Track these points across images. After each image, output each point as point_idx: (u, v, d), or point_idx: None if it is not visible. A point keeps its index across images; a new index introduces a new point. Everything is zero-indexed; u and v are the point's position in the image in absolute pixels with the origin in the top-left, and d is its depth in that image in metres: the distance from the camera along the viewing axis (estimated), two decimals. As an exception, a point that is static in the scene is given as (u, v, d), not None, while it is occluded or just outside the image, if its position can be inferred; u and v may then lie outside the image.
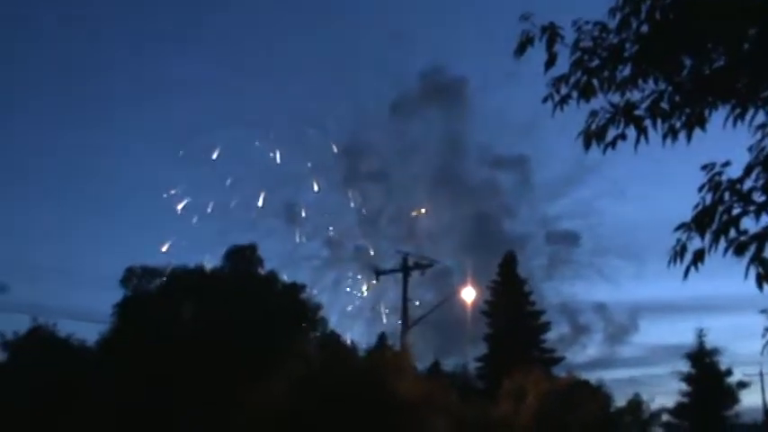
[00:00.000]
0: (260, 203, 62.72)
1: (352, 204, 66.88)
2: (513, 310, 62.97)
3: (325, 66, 76.71)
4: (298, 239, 64.66)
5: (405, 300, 41.98)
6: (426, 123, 74.87)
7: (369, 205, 71.39)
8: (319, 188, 66.63)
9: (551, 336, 66.83)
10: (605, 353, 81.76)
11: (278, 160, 64.50)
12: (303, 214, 66.49)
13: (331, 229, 66.27)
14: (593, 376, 58.34)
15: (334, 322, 44.26)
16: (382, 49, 74.16)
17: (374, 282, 45.90)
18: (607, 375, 77.09)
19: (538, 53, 7.56)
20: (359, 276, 52.75)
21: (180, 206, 58.81)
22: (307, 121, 68.32)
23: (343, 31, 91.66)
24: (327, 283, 64.24)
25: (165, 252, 44.83)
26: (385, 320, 57.79)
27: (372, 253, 52.16)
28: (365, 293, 53.12)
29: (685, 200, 6.68)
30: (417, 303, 43.07)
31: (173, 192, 59.46)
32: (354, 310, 62.75)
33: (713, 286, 41.16)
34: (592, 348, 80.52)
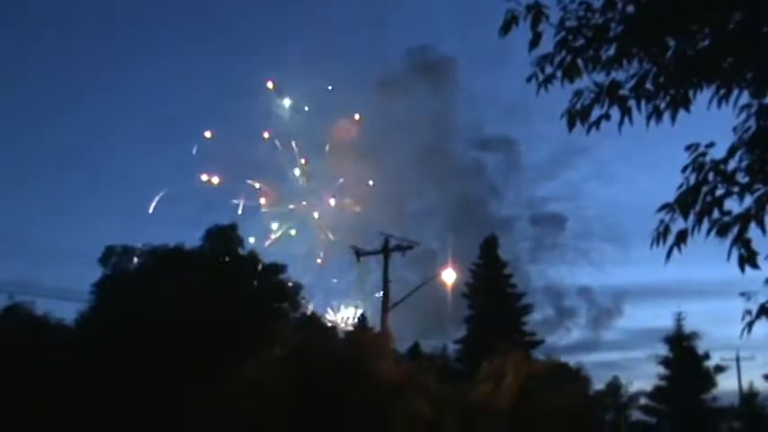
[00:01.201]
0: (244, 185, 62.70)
1: (332, 201, 66.80)
2: (493, 293, 63.11)
3: (309, 41, 75.76)
4: (278, 222, 64.65)
5: (385, 281, 41.95)
6: (413, 103, 74.32)
7: (354, 185, 71.34)
8: (302, 171, 66.53)
9: (536, 318, 67.15)
10: (585, 336, 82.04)
11: (263, 138, 64.40)
12: (285, 196, 66.50)
13: (315, 211, 66.34)
14: (572, 359, 58.70)
15: (317, 303, 44.32)
16: (367, 25, 73.45)
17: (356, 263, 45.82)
18: (586, 359, 77.75)
19: (524, 33, 7.52)
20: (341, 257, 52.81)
21: (153, 205, 59.10)
22: (290, 97, 68.02)
23: (328, 7, 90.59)
24: (310, 263, 64.27)
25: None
26: (366, 301, 57.92)
27: (356, 233, 52.00)
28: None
29: (672, 182, 6.69)
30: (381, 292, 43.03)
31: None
32: (336, 290, 62.82)
33: (692, 271, 41.41)
34: (573, 332, 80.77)
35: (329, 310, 45.60)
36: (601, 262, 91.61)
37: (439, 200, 76.38)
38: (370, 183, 67.13)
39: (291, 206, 65.55)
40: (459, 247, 63.80)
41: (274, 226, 63.99)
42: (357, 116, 68.07)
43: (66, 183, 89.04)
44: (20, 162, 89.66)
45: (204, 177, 62.28)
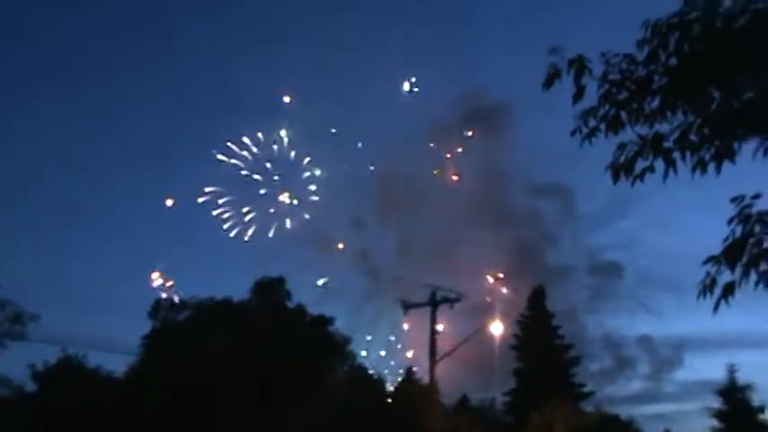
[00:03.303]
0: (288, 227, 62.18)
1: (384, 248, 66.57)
2: (541, 345, 62.54)
3: (361, 88, 75.59)
4: (327, 276, 64.57)
5: (432, 334, 41.76)
6: (465, 151, 74.15)
7: (407, 235, 71.42)
8: (357, 222, 66.41)
9: (593, 369, 66.46)
10: (640, 387, 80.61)
11: (315, 196, 64.52)
12: (339, 246, 66.50)
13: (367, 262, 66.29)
14: (624, 411, 57.81)
15: (367, 355, 44.11)
16: (420, 71, 73.25)
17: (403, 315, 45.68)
18: (638, 411, 75.74)
19: (572, 84, 7.54)
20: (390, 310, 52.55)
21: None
22: (342, 146, 68.10)
23: (382, 55, 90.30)
24: (356, 314, 64.16)
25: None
26: (410, 354, 57.68)
27: (405, 285, 51.61)
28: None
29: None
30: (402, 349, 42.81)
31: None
32: (384, 343, 62.67)
33: (747, 321, 40.56)
34: (629, 382, 79.47)
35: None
36: (659, 311, 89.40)
37: (494, 249, 75.84)
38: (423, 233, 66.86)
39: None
40: (514, 297, 63.45)
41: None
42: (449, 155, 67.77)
43: (116, 235, 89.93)
44: (74, 214, 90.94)
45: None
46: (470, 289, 45.28)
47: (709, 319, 6.63)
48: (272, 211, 63.00)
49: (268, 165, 63.18)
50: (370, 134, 67.61)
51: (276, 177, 62.92)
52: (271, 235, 62.26)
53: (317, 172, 64.21)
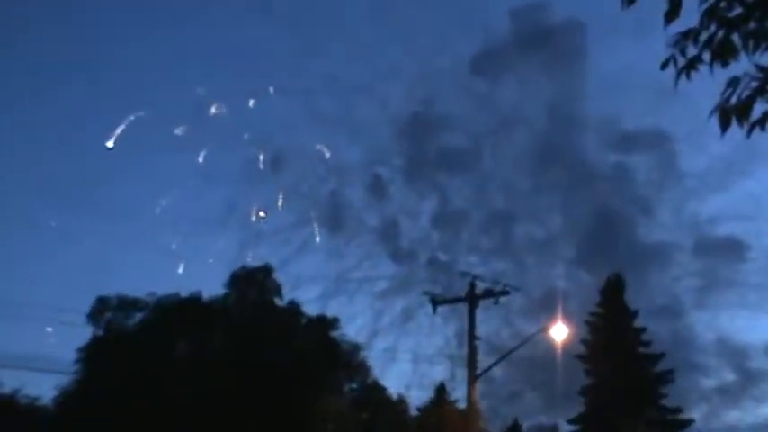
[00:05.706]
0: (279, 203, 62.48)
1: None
2: (618, 354, 62.40)
3: (381, 13, 75.45)
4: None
5: (471, 339, 41.65)
6: (522, 87, 73.62)
7: (445, 203, 71.44)
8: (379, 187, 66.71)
9: (704, 386, 66.58)
10: (763, 413, 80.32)
11: (326, 152, 64.57)
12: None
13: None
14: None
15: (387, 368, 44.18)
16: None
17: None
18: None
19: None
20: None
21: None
22: (361, 90, 68.14)
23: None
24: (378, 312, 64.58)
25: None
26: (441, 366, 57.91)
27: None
28: None
29: None
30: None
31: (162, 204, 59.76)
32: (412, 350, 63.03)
33: None
34: (750, 405, 78.66)
35: None
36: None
37: (564, 222, 75.63)
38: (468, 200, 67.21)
39: None
40: (590, 287, 63.18)
41: None
42: None
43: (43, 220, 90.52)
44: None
45: None
46: (530, 279, 45.32)
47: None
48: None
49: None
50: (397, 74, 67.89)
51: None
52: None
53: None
